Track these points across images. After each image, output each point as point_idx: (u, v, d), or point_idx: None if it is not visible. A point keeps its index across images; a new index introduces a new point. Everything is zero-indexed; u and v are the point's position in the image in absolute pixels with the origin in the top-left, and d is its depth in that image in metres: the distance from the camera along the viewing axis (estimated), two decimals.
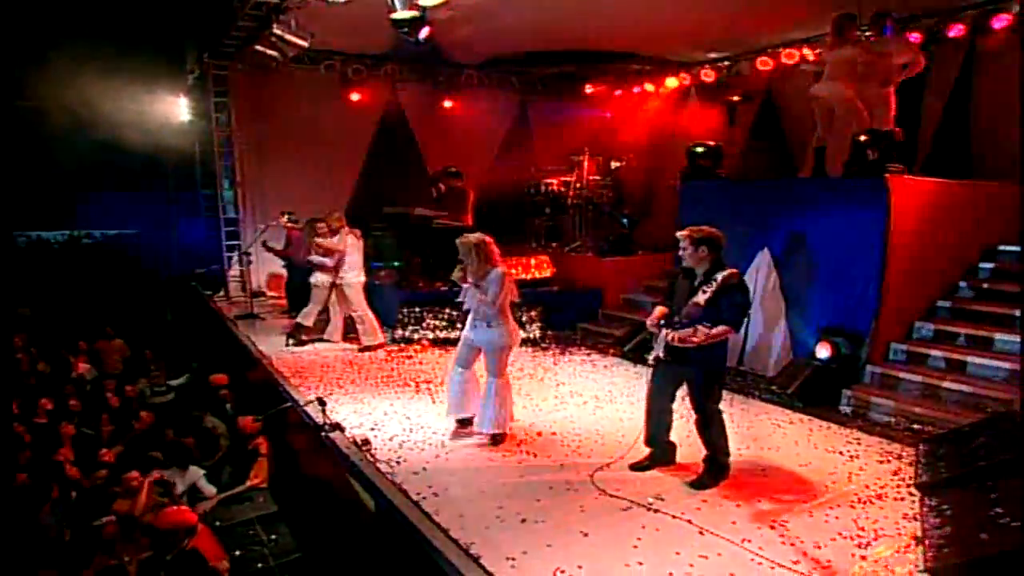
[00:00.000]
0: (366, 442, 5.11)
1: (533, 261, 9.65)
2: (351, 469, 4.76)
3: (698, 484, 4.41)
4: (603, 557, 3.59)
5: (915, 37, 8.05)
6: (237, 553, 5.34)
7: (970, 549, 3.19)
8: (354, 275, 8.30)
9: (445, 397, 5.69)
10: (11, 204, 13.60)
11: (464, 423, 5.46)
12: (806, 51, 9.51)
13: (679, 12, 8.60)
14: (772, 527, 3.90)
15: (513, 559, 3.57)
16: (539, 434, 5.45)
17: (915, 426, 5.43)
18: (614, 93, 12.87)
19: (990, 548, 3.13)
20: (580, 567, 3.49)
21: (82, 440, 7.18)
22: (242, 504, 6.22)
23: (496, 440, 5.22)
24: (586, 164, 10.87)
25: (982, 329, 5.98)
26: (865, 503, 4.18)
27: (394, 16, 6.67)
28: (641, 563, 3.53)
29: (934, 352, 6.04)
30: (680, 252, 4.46)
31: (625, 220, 10.38)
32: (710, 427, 4.48)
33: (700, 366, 4.37)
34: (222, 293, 11.61)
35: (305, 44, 8.23)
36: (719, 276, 4.27)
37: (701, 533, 3.82)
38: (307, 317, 8.51)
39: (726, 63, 10.94)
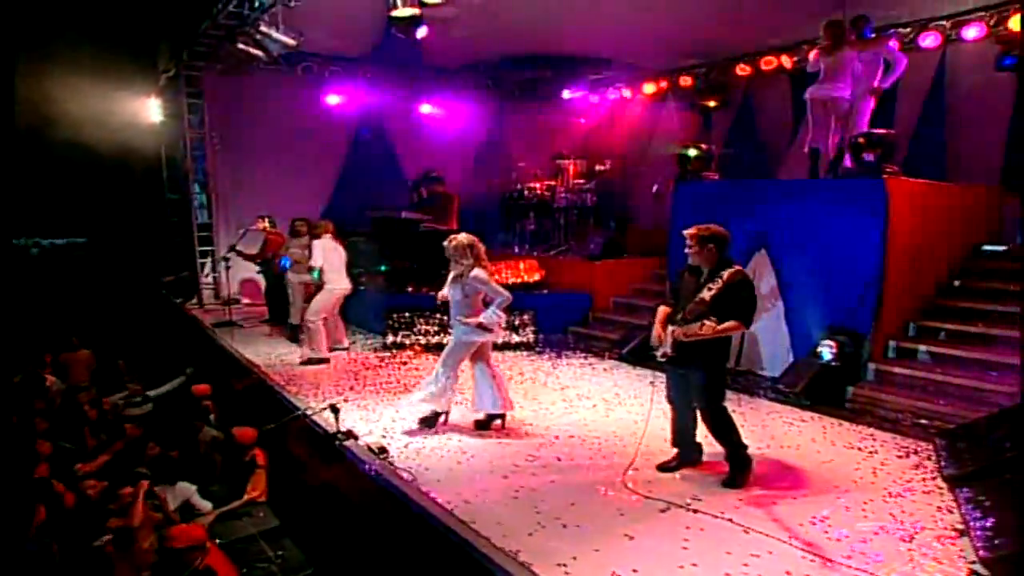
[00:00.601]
0: (383, 450, 4.95)
1: (522, 265, 9.59)
2: (375, 478, 4.59)
3: (729, 482, 4.41)
4: (655, 560, 3.51)
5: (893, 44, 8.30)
6: (244, 571, 5.08)
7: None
8: (332, 282, 7.70)
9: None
10: None
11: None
12: (784, 58, 9.75)
13: (657, 20, 8.70)
14: (813, 523, 3.90)
15: (564, 565, 3.47)
16: (556, 437, 5.38)
17: (922, 421, 5.55)
18: (591, 98, 12.94)
19: None
20: (635, 571, 3.41)
21: (62, 455, 6.76)
22: (241, 519, 5.92)
23: (488, 422, 5.48)
24: (571, 168, 10.86)
25: (977, 325, 6.17)
26: (897, 497, 4.22)
27: (394, 14, 6.54)
28: (696, 564, 3.47)
29: (932, 348, 6.19)
30: (686, 250, 4.48)
31: (613, 224, 10.40)
32: (717, 425, 4.48)
33: (702, 366, 4.37)
34: (195, 300, 11.20)
35: (293, 43, 8.00)
36: (724, 273, 4.30)
37: (746, 532, 3.79)
38: (294, 317, 8.42)
39: (703, 69, 11.09)
